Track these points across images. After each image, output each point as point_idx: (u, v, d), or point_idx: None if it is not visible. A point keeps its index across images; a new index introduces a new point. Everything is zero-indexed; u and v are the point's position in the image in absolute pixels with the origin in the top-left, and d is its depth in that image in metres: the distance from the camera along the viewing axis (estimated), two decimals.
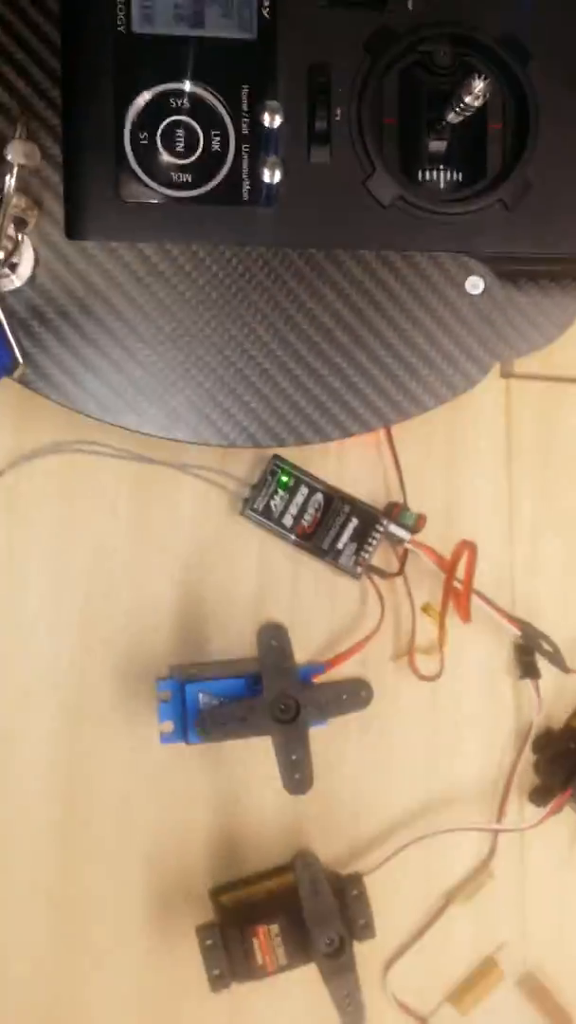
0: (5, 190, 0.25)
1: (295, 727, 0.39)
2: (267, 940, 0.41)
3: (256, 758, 0.45)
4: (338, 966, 0.40)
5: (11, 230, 0.28)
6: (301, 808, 0.46)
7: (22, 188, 0.26)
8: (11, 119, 0.31)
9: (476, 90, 0.36)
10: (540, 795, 0.48)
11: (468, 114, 0.37)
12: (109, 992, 0.44)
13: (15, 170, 0.25)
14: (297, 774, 0.39)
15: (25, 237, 0.36)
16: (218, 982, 0.41)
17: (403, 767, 0.47)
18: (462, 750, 0.48)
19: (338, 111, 0.38)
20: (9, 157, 0.25)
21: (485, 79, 0.35)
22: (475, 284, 0.40)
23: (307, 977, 0.43)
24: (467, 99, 0.36)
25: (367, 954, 0.46)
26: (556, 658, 0.47)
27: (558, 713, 0.49)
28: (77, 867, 0.44)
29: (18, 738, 0.44)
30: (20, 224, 0.28)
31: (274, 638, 0.39)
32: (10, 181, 0.25)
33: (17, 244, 0.29)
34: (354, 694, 0.40)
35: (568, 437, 0.49)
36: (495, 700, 0.48)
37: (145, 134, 0.37)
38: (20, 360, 0.33)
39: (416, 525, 0.46)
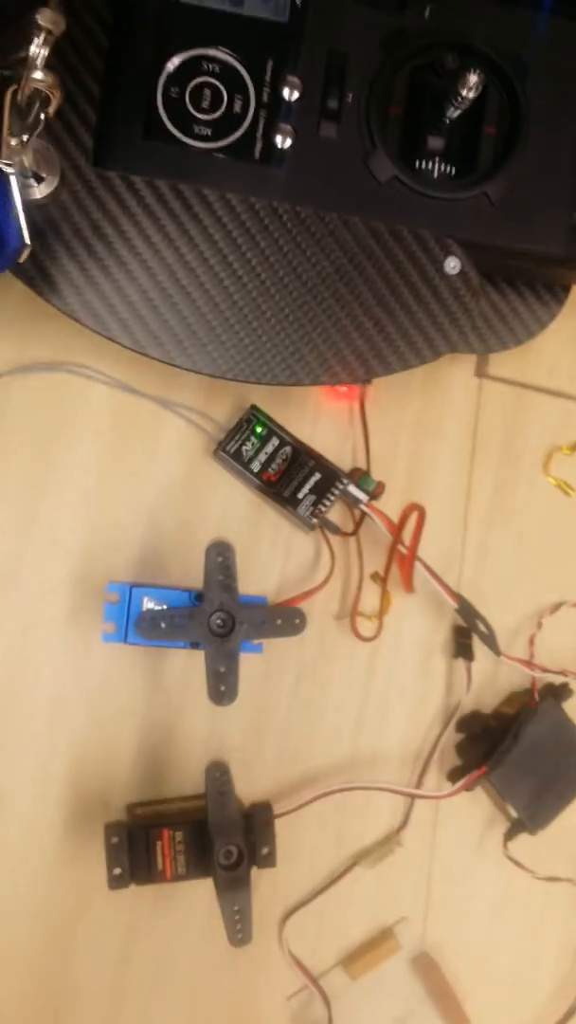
0: (38, 55, 0.29)
1: (228, 640, 0.41)
2: (170, 845, 0.43)
3: (193, 687, 0.48)
4: (233, 879, 0.41)
5: (36, 107, 0.31)
6: (229, 744, 0.48)
7: (48, 64, 0.30)
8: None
9: (471, 83, 0.40)
10: (458, 774, 0.50)
11: (464, 108, 0.42)
12: (13, 892, 0.46)
13: (43, 34, 0.29)
14: (223, 686, 0.41)
15: (55, 155, 0.40)
16: (117, 881, 0.43)
17: (331, 722, 0.49)
18: (390, 716, 0.50)
19: (350, 95, 0.43)
20: (39, 20, 0.29)
21: (479, 74, 0.40)
22: (453, 265, 0.44)
23: (205, 888, 0.45)
24: (463, 91, 0.40)
25: (266, 900, 0.48)
26: (490, 640, 0.49)
27: (485, 697, 0.51)
28: (3, 764, 0.46)
29: None
30: (45, 101, 0.32)
31: (221, 554, 0.42)
32: (38, 42, 0.29)
33: (40, 125, 0.33)
34: (289, 620, 0.42)
35: (529, 440, 0.53)
36: (429, 675, 0.50)
37: (176, 88, 0.42)
38: (27, 242, 0.36)
39: (375, 492, 0.49)
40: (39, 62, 0.30)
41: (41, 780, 0.46)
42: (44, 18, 0.29)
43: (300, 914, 0.48)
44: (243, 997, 0.48)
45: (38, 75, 0.30)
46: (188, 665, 0.48)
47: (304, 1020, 0.48)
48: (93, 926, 0.46)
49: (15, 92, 0.31)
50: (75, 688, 0.47)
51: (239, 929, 0.42)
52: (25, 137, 0.33)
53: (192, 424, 0.48)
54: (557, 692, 0.50)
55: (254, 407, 0.48)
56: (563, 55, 0.43)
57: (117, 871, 0.43)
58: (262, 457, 0.47)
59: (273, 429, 0.48)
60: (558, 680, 0.51)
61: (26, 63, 0.30)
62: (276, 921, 0.48)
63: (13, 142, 0.34)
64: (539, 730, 0.48)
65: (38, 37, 0.29)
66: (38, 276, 0.41)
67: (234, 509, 0.49)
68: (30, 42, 0.29)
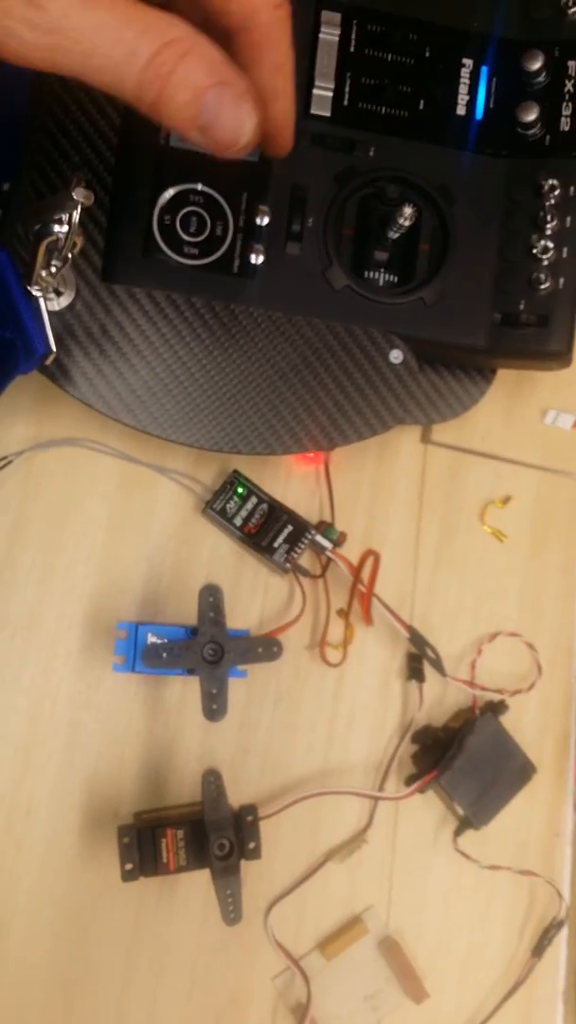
0: (72, 218, 0.38)
1: (218, 666, 0.49)
2: (173, 842, 0.50)
3: (188, 711, 0.56)
4: (225, 868, 0.49)
5: (67, 251, 0.40)
6: (220, 758, 0.55)
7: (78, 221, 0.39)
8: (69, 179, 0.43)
9: (406, 214, 0.49)
10: (414, 779, 0.57)
11: (402, 232, 0.51)
12: (38, 886, 0.53)
13: (79, 206, 0.38)
14: (215, 705, 0.49)
15: (72, 275, 0.49)
16: (128, 875, 0.50)
17: (305, 737, 0.57)
18: (355, 731, 0.57)
19: (310, 219, 0.51)
20: (75, 195, 0.37)
21: (413, 206, 0.49)
22: (396, 356, 0.52)
23: (202, 883, 0.52)
24: (400, 220, 0.50)
25: (253, 892, 0.55)
26: (438, 664, 0.57)
27: (435, 713, 0.59)
28: (29, 778, 0.54)
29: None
30: (73, 246, 0.41)
31: (212, 595, 0.50)
32: (76, 212, 0.38)
33: (67, 262, 0.41)
34: (268, 648, 0.50)
35: (467, 495, 0.61)
36: (386, 695, 0.58)
37: (168, 216, 0.50)
38: (53, 349, 0.45)
39: (338, 540, 0.57)
40: (74, 225, 0.38)
41: (60, 791, 0.53)
42: (79, 195, 0.37)
43: (282, 904, 0.55)
44: (235, 977, 0.55)
45: (71, 231, 0.39)
46: (184, 692, 0.55)
47: (288, 996, 0.55)
48: (106, 915, 0.53)
49: (50, 243, 0.40)
50: (88, 712, 0.54)
51: (231, 910, 0.49)
52: (55, 270, 0.41)
53: (184, 487, 0.57)
54: (495, 708, 0.58)
55: (236, 472, 0.56)
56: (482, 185, 0.52)
57: (128, 866, 0.50)
58: (243, 513, 0.56)
59: (252, 490, 0.56)
60: (496, 697, 0.59)
61: (60, 223, 0.38)
62: (262, 910, 0.55)
63: (44, 273, 0.42)
64: (480, 740, 0.56)
65: (75, 208, 0.38)
66: (56, 370, 0.50)
67: (220, 557, 0.57)
68: (66, 210, 0.38)
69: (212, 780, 0.49)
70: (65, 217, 0.39)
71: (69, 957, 0.53)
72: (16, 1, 0.27)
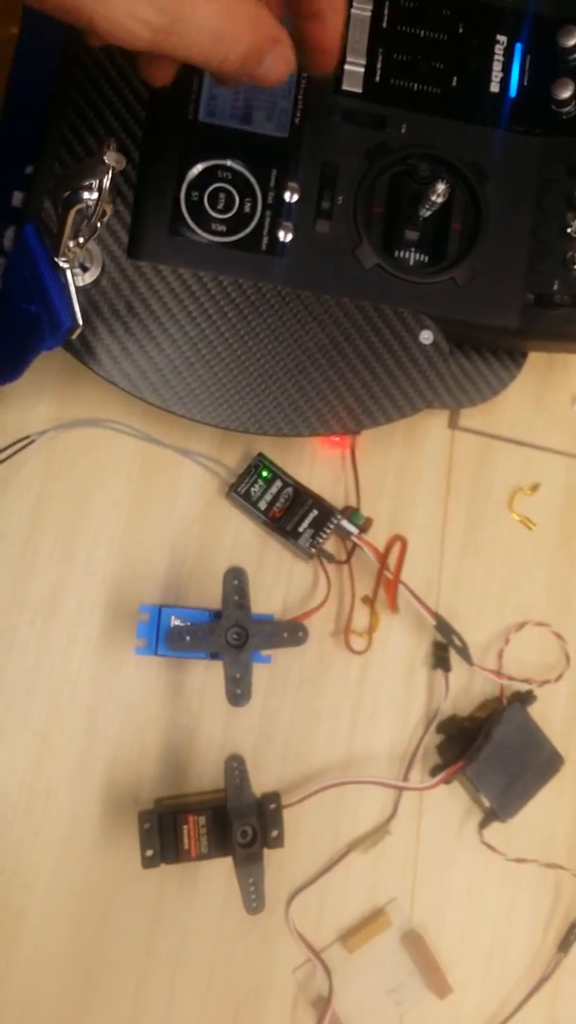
0: (103, 184, 0.37)
1: (242, 651, 0.48)
2: (195, 828, 0.49)
3: (211, 697, 0.54)
4: (248, 855, 0.48)
5: (96, 220, 0.39)
6: (241, 745, 0.54)
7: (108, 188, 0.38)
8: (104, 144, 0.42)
9: (439, 190, 0.48)
10: (439, 770, 0.56)
11: (434, 209, 0.49)
12: (58, 873, 0.52)
13: (110, 172, 0.37)
14: (239, 690, 0.48)
15: (98, 250, 0.48)
16: (149, 861, 0.49)
17: (328, 725, 0.56)
18: (379, 720, 0.56)
19: (340, 197, 0.50)
20: (107, 159, 0.36)
21: (446, 183, 0.48)
22: (427, 336, 0.51)
23: (222, 872, 0.51)
24: (432, 196, 0.48)
25: (274, 882, 0.53)
26: (464, 653, 0.56)
27: (461, 703, 0.57)
28: (48, 764, 0.52)
29: (18, 650, 0.53)
30: (102, 214, 0.39)
31: (236, 578, 0.49)
32: (108, 177, 0.37)
33: (96, 231, 0.40)
34: (293, 633, 0.49)
35: (495, 482, 0.60)
36: (411, 684, 0.57)
37: (196, 193, 0.49)
38: (80, 322, 0.44)
39: (364, 525, 0.56)
40: (104, 191, 0.37)
41: (81, 776, 0.52)
42: (111, 158, 0.36)
43: (303, 895, 0.54)
44: (255, 968, 0.53)
45: (101, 198, 0.37)
46: (205, 678, 0.54)
47: (308, 989, 0.54)
48: (126, 902, 0.52)
49: (79, 210, 0.39)
50: (109, 697, 0.53)
51: (254, 899, 0.48)
52: (82, 240, 0.40)
53: (208, 470, 0.56)
54: (523, 698, 0.57)
55: (261, 455, 0.55)
56: (515, 164, 0.51)
57: (149, 852, 0.49)
58: (268, 497, 0.55)
59: (277, 473, 0.55)
60: (523, 688, 0.57)
61: (90, 189, 0.37)
62: (283, 901, 0.54)
63: (71, 244, 0.41)
64: (507, 730, 0.55)
65: (106, 173, 0.37)
66: (81, 347, 0.49)
67: (244, 541, 0.56)
68: (97, 175, 0.37)
69: (236, 766, 0.48)
70: (95, 183, 0.37)
71: (87, 945, 0.52)
72: None
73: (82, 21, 0.31)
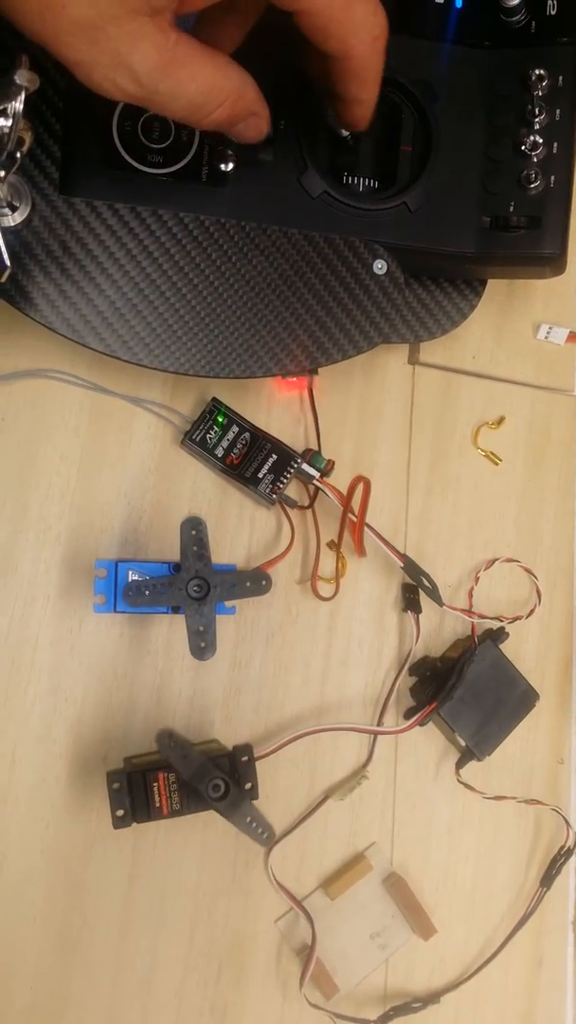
0: (15, 108, 0.33)
1: (204, 603, 0.46)
2: (165, 785, 0.47)
3: (176, 652, 0.52)
4: (230, 803, 0.45)
5: (14, 149, 0.35)
6: (211, 699, 0.52)
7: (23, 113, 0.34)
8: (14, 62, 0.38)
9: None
10: (413, 712, 0.54)
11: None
12: (28, 839, 0.49)
13: (23, 93, 0.33)
14: (202, 643, 0.46)
15: (26, 187, 0.44)
16: (120, 821, 0.47)
17: (300, 674, 0.53)
18: (350, 666, 0.54)
19: (282, 122, 0.47)
20: (17, 80, 0.32)
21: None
22: (380, 266, 0.48)
23: (198, 828, 0.49)
24: None
25: None
26: (434, 593, 0.54)
27: (433, 644, 0.55)
28: (11, 728, 0.50)
29: None
30: (19, 143, 0.36)
31: (194, 528, 0.46)
32: (19, 101, 0.33)
33: (16, 163, 0.37)
34: (256, 582, 0.46)
35: (459, 417, 0.57)
36: (382, 628, 0.55)
37: (129, 123, 0.45)
38: (8, 264, 0.40)
39: (326, 468, 0.53)
40: (18, 115, 0.34)
41: (46, 739, 0.50)
42: (22, 78, 0.33)
43: (282, 845, 0.52)
44: (237, 921, 0.52)
45: (15, 124, 0.34)
46: (170, 633, 0.52)
47: (292, 938, 0.52)
48: (101, 864, 0.50)
49: None
50: (71, 656, 0.50)
51: (262, 831, 0.46)
52: (2, 174, 0.37)
53: (160, 418, 0.52)
54: (494, 636, 0.54)
55: (215, 399, 0.52)
56: (465, 80, 0.48)
57: (120, 812, 0.47)
58: (224, 443, 0.52)
59: (233, 418, 0.52)
60: (495, 625, 0.55)
61: (4, 115, 0.34)
62: (261, 852, 0.52)
63: None
64: (480, 668, 0.53)
65: (18, 95, 0.33)
66: (15, 292, 0.45)
67: (202, 491, 0.53)
68: (8, 98, 0.33)
69: (166, 741, 0.45)
70: (8, 107, 0.34)
71: (63, 909, 0.49)
72: (122, 66, 0.33)
73: (64, 64, 0.34)
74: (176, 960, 0.51)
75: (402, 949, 0.54)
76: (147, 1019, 0.50)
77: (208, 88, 0.36)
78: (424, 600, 0.54)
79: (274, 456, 0.52)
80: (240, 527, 0.53)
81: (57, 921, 0.49)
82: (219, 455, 0.51)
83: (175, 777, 0.47)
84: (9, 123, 0.34)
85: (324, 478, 0.53)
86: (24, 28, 0.33)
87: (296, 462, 0.52)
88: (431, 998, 0.53)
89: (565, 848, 0.55)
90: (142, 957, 0.50)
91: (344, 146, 0.47)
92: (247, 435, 0.52)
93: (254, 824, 0.46)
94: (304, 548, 0.54)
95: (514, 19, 0.48)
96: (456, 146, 0.48)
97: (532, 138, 0.47)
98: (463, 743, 0.53)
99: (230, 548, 0.53)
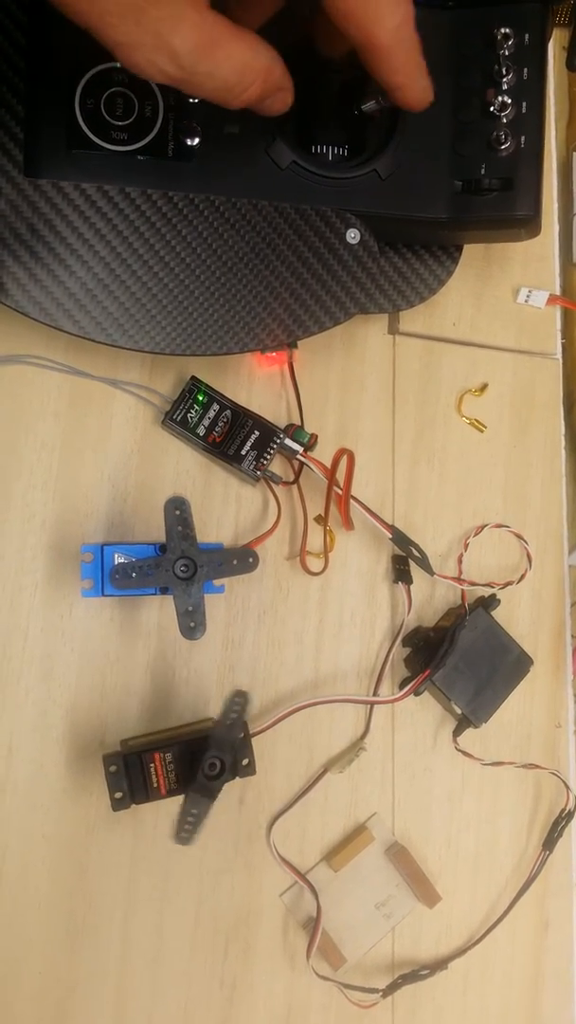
0: None
1: (192, 583, 0.45)
2: (161, 765, 0.46)
3: (168, 633, 0.51)
4: (206, 787, 0.44)
5: None
6: (205, 678, 0.51)
7: None
8: None
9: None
10: (408, 682, 0.53)
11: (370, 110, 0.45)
12: (28, 826, 0.49)
13: None
14: (192, 623, 0.45)
15: None
16: (119, 804, 0.46)
17: (293, 650, 0.52)
18: (344, 640, 0.53)
19: None
20: None
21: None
22: (353, 235, 0.47)
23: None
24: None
25: (253, 810, 0.51)
26: (424, 563, 0.53)
27: (425, 614, 0.55)
28: (6, 716, 0.49)
29: None
30: None
31: (178, 508, 0.45)
32: None
33: None
34: (243, 559, 0.46)
35: (441, 386, 0.56)
36: (373, 600, 0.54)
37: (91, 100, 0.44)
38: None
39: (309, 442, 0.52)
40: None
41: (42, 726, 0.49)
42: None
43: (283, 820, 0.52)
44: (241, 897, 0.51)
45: None
46: (161, 615, 0.51)
47: (297, 911, 0.52)
48: (103, 847, 0.49)
49: None
50: (62, 642, 0.49)
51: (187, 830, 0.44)
52: None
53: (140, 399, 0.51)
54: (486, 603, 0.54)
55: (194, 378, 0.51)
56: (429, 41, 0.46)
57: (118, 795, 0.46)
58: (206, 422, 0.50)
59: (213, 396, 0.51)
60: (486, 592, 0.54)
61: None
62: (263, 828, 0.52)
63: None
64: (473, 635, 0.52)
65: None
66: None
67: (186, 471, 0.52)
68: None
69: (238, 701, 0.44)
70: None
71: (67, 893, 0.49)
72: (164, 47, 0.34)
73: (106, 46, 0.34)
74: (183, 938, 0.50)
75: (408, 918, 0.53)
76: (156, 998, 0.49)
77: (242, 67, 0.36)
78: (415, 571, 0.53)
79: (256, 432, 0.50)
80: (226, 506, 0.52)
81: (62, 906, 0.49)
82: (201, 434, 0.50)
83: (171, 756, 0.46)
84: None
85: (308, 452, 0.51)
86: (69, 10, 0.33)
87: (279, 437, 0.51)
88: (439, 965, 0.52)
89: (566, 811, 0.54)
90: (149, 937, 0.50)
91: (311, 115, 0.46)
92: (228, 412, 0.51)
93: (191, 820, 0.43)
94: (292, 524, 0.53)
95: None
96: (423, 114, 0.46)
97: (500, 98, 0.46)
98: (459, 711, 0.52)
99: (217, 527, 0.52)
